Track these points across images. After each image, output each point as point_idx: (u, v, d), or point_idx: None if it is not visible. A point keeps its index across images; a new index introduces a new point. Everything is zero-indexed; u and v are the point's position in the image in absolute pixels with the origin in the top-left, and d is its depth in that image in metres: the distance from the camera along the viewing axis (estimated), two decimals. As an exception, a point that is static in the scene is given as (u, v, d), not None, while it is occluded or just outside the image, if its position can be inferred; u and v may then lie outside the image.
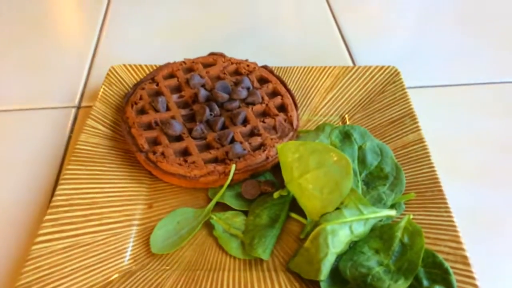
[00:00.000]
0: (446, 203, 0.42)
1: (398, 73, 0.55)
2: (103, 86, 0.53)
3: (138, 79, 0.55)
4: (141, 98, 0.49)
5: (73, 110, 0.55)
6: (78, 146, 0.46)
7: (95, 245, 0.39)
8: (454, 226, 0.40)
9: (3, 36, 0.66)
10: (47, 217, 0.40)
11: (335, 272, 0.37)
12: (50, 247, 0.38)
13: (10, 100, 0.56)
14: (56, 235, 0.39)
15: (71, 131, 0.53)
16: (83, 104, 0.56)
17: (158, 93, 0.50)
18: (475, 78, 0.60)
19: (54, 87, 0.58)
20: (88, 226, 0.40)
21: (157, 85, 0.51)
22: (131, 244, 0.41)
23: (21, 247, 0.41)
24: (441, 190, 0.43)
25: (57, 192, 0.42)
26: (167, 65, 0.53)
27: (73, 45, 0.65)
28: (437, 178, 0.44)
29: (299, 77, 0.56)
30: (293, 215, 0.43)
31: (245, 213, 0.43)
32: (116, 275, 0.38)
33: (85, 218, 0.41)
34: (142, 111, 0.49)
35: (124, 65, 0.56)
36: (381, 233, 0.39)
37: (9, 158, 0.49)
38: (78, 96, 0.57)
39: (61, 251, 0.38)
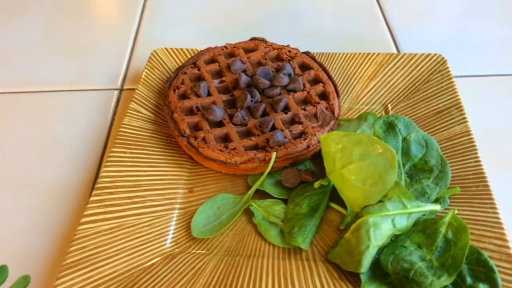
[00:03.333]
0: (492, 198, 0.40)
1: (445, 61, 0.53)
2: (146, 70, 0.53)
3: (180, 63, 0.55)
4: (183, 83, 0.50)
5: (116, 92, 0.56)
6: (121, 129, 0.47)
7: (139, 227, 0.40)
8: (500, 223, 0.39)
9: (49, 22, 0.67)
10: (92, 198, 0.41)
11: (376, 265, 0.37)
12: (95, 227, 0.39)
13: (56, 81, 0.58)
14: (101, 216, 0.40)
15: (114, 113, 0.54)
16: (126, 86, 0.57)
17: (200, 78, 0.51)
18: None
19: (98, 69, 0.59)
20: (132, 208, 0.41)
21: (199, 70, 0.51)
22: (172, 227, 0.42)
23: (67, 226, 0.43)
24: (487, 185, 0.41)
25: (102, 174, 0.43)
26: (209, 49, 0.53)
27: (116, 28, 0.66)
28: (483, 173, 0.42)
29: (341, 64, 0.55)
30: (333, 205, 0.42)
31: (285, 201, 0.43)
32: (159, 257, 0.39)
33: (130, 200, 0.42)
34: (184, 96, 0.49)
35: (166, 48, 0.56)
36: (424, 228, 0.38)
37: (55, 138, 0.51)
38: (121, 78, 0.58)
39: (107, 232, 0.39)
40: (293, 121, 0.47)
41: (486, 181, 0.42)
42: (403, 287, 0.34)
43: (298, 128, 0.46)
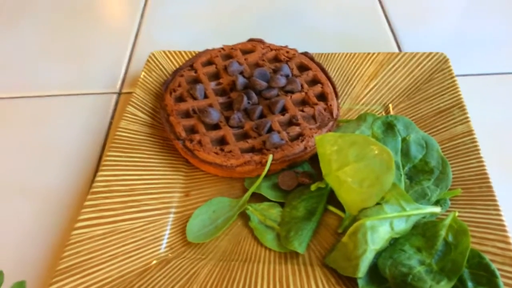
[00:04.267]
0: (495, 200, 0.39)
1: (447, 60, 0.52)
2: (143, 73, 0.53)
3: (178, 66, 0.55)
4: (179, 85, 0.49)
5: (115, 96, 0.56)
6: (118, 133, 0.46)
7: (133, 232, 0.40)
8: (503, 225, 0.38)
9: (47, 25, 0.67)
10: (87, 203, 0.41)
11: (374, 270, 0.36)
12: (89, 232, 0.39)
13: (54, 85, 0.58)
14: (96, 221, 0.40)
15: (112, 117, 0.53)
16: (124, 90, 0.57)
17: (197, 81, 0.50)
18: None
19: (97, 73, 0.59)
20: (127, 213, 0.41)
21: (196, 72, 0.51)
22: (167, 232, 0.41)
23: (61, 231, 0.43)
24: (490, 187, 0.40)
25: (97, 178, 0.43)
26: (206, 51, 0.53)
27: (115, 31, 0.66)
28: (486, 174, 0.41)
29: (340, 64, 0.54)
30: (331, 208, 0.42)
31: (282, 204, 0.42)
32: (153, 262, 0.39)
33: (124, 204, 0.42)
34: (180, 99, 0.48)
35: (164, 51, 0.56)
36: (423, 231, 0.37)
37: (52, 142, 0.51)
38: (120, 82, 0.58)
39: (100, 237, 0.39)
40: (290, 123, 0.46)
41: (489, 182, 0.41)
42: (401, 292, 0.33)
43: (295, 130, 0.45)
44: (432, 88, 0.50)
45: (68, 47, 0.63)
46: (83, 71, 0.59)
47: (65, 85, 0.58)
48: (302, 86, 0.49)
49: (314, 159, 0.45)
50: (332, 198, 0.41)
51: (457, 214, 0.37)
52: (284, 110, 0.47)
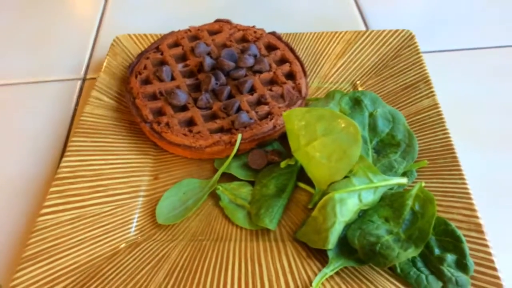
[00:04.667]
0: (460, 170, 0.40)
1: (413, 37, 0.53)
2: (108, 57, 0.52)
3: (143, 49, 0.54)
4: (145, 68, 0.48)
5: (79, 82, 0.55)
6: (83, 118, 0.45)
7: (101, 216, 0.39)
8: (468, 193, 0.38)
9: (9, 11, 0.65)
10: (52, 189, 0.40)
11: (343, 241, 0.36)
12: (56, 218, 0.38)
13: (17, 73, 0.56)
14: (62, 207, 0.39)
15: (77, 103, 0.52)
16: (89, 76, 0.55)
17: (163, 63, 0.49)
18: (492, 41, 0.57)
19: (60, 59, 0.58)
20: (94, 198, 0.40)
21: (162, 54, 0.50)
22: (137, 215, 0.40)
23: (27, 219, 0.42)
24: (455, 157, 0.41)
25: (62, 164, 0.42)
26: (172, 33, 0.52)
27: (79, 16, 0.64)
28: (451, 145, 0.42)
29: (308, 44, 0.54)
30: (301, 184, 0.42)
31: (252, 183, 0.42)
32: (122, 246, 0.38)
33: (91, 189, 0.41)
34: (146, 81, 0.48)
35: (129, 34, 0.55)
36: (391, 202, 0.38)
37: (17, 131, 0.49)
38: (84, 68, 0.56)
39: (67, 222, 0.38)
40: (259, 102, 0.46)
41: (454, 153, 0.41)
42: (370, 261, 0.34)
43: (264, 109, 0.45)
44: (399, 64, 0.51)
45: (31, 34, 0.61)
46: (46, 58, 0.58)
47: (28, 72, 0.56)
48: (270, 65, 0.49)
49: (283, 138, 0.45)
50: (302, 175, 0.41)
51: (423, 184, 0.38)
52: (252, 90, 0.47)
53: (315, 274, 0.35)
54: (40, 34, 0.61)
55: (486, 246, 0.35)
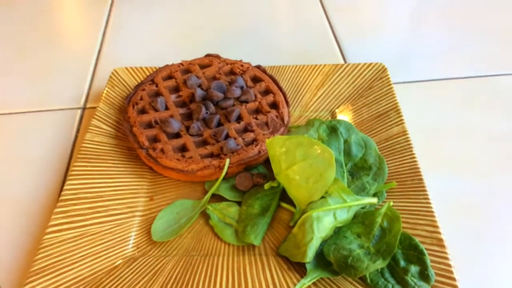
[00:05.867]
0: (425, 190, 0.45)
1: (385, 69, 0.58)
2: (106, 88, 0.56)
3: (139, 81, 0.58)
4: (141, 99, 0.53)
5: (79, 111, 0.59)
6: (84, 145, 0.50)
7: (101, 235, 0.43)
8: (432, 211, 0.43)
9: (11, 43, 0.70)
10: (57, 209, 0.44)
11: (320, 255, 0.40)
12: (60, 236, 0.42)
13: (21, 103, 0.60)
14: (66, 226, 0.43)
15: (77, 130, 0.56)
16: (88, 105, 0.60)
17: (158, 94, 0.54)
18: (458, 72, 0.63)
19: (61, 90, 0.62)
20: (94, 218, 0.44)
21: (157, 86, 0.54)
22: (134, 233, 0.44)
23: (33, 237, 0.45)
24: (421, 179, 0.46)
25: (65, 187, 0.46)
26: (166, 67, 0.57)
27: (78, 49, 0.69)
28: (417, 168, 0.47)
29: (291, 75, 0.59)
30: (284, 204, 0.46)
31: (239, 203, 0.46)
32: (120, 261, 0.42)
33: (92, 210, 0.45)
34: (143, 111, 0.52)
35: (126, 67, 0.59)
36: (363, 219, 0.42)
37: (21, 157, 0.53)
38: (84, 97, 0.61)
39: (71, 240, 0.42)
40: (245, 130, 0.51)
41: (420, 176, 0.46)
42: (343, 272, 0.38)
43: (250, 136, 0.50)
44: (372, 94, 0.56)
45: (32, 65, 0.66)
46: (48, 89, 0.62)
47: (32, 102, 0.60)
48: (255, 96, 0.53)
49: (267, 162, 0.49)
50: (284, 196, 0.46)
51: (391, 203, 0.42)
52: (239, 119, 0.52)
53: (295, 285, 0.39)
54: (41, 66, 0.66)
55: (446, 258, 0.39)
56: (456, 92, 0.60)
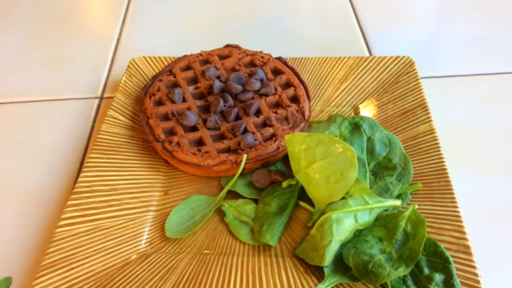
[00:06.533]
0: (452, 193, 0.42)
1: (413, 63, 0.55)
2: (124, 78, 0.55)
3: (157, 71, 0.57)
4: (159, 90, 0.52)
5: (96, 101, 0.58)
6: (99, 136, 0.49)
7: (115, 229, 0.42)
8: (459, 216, 0.41)
9: (30, 32, 0.69)
10: (70, 202, 0.43)
11: (339, 259, 0.39)
12: (72, 230, 0.41)
13: (38, 91, 0.60)
14: (79, 219, 0.42)
15: (94, 120, 0.56)
16: (106, 95, 0.59)
17: (175, 85, 0.53)
18: (488, 68, 0.60)
19: (79, 78, 0.61)
20: (108, 211, 0.43)
21: (174, 77, 0.53)
22: (147, 229, 0.43)
23: (46, 230, 0.45)
24: (448, 181, 0.43)
25: (79, 179, 0.45)
26: (184, 57, 0.55)
27: (97, 38, 0.68)
28: (445, 169, 0.44)
29: (313, 68, 0.57)
30: (302, 203, 0.44)
31: (255, 201, 0.45)
32: (134, 257, 0.41)
33: (106, 203, 0.44)
34: (159, 102, 0.51)
35: (144, 57, 0.58)
36: (385, 222, 0.40)
37: (37, 146, 0.53)
38: (101, 87, 0.60)
39: (83, 233, 0.41)
40: (264, 124, 0.49)
41: (447, 177, 0.44)
42: (362, 278, 0.36)
43: (269, 131, 0.48)
44: (398, 90, 0.53)
45: (51, 53, 0.65)
46: (66, 77, 0.61)
47: (49, 90, 0.60)
48: (275, 89, 0.52)
49: (286, 159, 0.47)
50: (303, 194, 0.44)
51: (416, 207, 0.40)
52: (258, 112, 0.50)
53: (312, 289, 0.38)
54: (59, 54, 0.65)
55: (473, 267, 0.37)
56: (486, 88, 0.57)
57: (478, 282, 0.36)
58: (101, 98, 0.59)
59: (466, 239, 0.39)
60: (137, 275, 0.39)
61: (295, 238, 0.42)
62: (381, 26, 0.68)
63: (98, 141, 0.48)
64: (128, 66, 0.57)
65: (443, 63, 0.61)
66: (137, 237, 0.42)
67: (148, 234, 0.43)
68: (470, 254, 0.38)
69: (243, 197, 0.45)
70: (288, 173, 0.47)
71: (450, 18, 0.69)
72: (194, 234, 0.43)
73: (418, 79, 0.53)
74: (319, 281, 0.38)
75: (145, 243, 0.42)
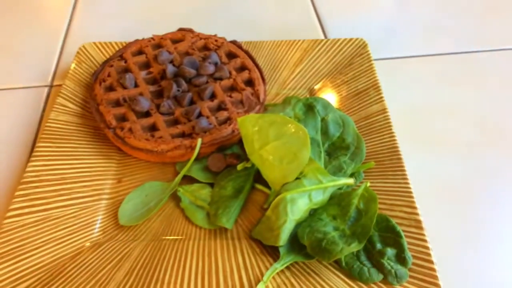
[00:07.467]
0: (403, 170, 0.43)
1: (366, 45, 0.56)
2: (73, 64, 0.53)
3: (108, 57, 0.55)
4: (109, 75, 0.50)
5: (46, 89, 0.56)
6: (48, 124, 0.47)
7: (65, 219, 0.41)
8: (410, 192, 0.41)
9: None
10: (17, 192, 0.41)
11: (294, 238, 0.39)
12: (21, 221, 0.40)
13: (-17, 80, 0.57)
14: (27, 210, 0.40)
15: (44, 109, 0.53)
16: (56, 83, 0.57)
17: (127, 70, 0.51)
18: (440, 48, 0.61)
19: (28, 67, 0.59)
20: (58, 201, 0.42)
21: (126, 62, 0.52)
22: (100, 217, 0.42)
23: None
24: (400, 159, 0.44)
25: (27, 169, 0.43)
26: (136, 41, 0.54)
27: (46, 24, 0.65)
28: (397, 147, 0.45)
29: (268, 51, 0.57)
30: (258, 185, 0.44)
31: (211, 185, 0.44)
32: (86, 245, 0.40)
33: (56, 193, 0.42)
34: (110, 88, 0.49)
35: (94, 43, 0.56)
36: (339, 201, 0.41)
37: (-17, 138, 0.50)
38: (51, 75, 0.58)
39: (32, 224, 0.40)
40: (219, 108, 0.49)
41: (399, 155, 0.44)
42: (316, 255, 0.37)
43: (223, 115, 0.48)
44: (352, 71, 0.54)
45: (0, 41, 0.62)
46: (14, 65, 0.59)
47: (-4, 79, 0.57)
48: (230, 73, 0.51)
49: (242, 142, 0.47)
50: (259, 177, 0.44)
51: (368, 184, 0.41)
52: (213, 96, 0.49)
53: (267, 269, 0.38)
54: (7, 42, 0.62)
55: (425, 241, 0.38)
56: (437, 68, 0.58)
57: (429, 255, 0.37)
58: (51, 86, 0.56)
59: (417, 214, 0.40)
60: (90, 264, 0.38)
61: (252, 220, 0.42)
62: (336, 9, 0.68)
63: (47, 129, 0.46)
64: (78, 52, 0.55)
65: (397, 45, 0.62)
66: (89, 226, 0.41)
67: (101, 223, 0.42)
68: (421, 228, 0.39)
69: (198, 182, 0.45)
70: (243, 156, 0.46)
71: (404, 2, 0.70)
72: (149, 220, 0.42)
73: (371, 61, 0.54)
74: (275, 261, 0.38)
75: (98, 232, 0.41)
